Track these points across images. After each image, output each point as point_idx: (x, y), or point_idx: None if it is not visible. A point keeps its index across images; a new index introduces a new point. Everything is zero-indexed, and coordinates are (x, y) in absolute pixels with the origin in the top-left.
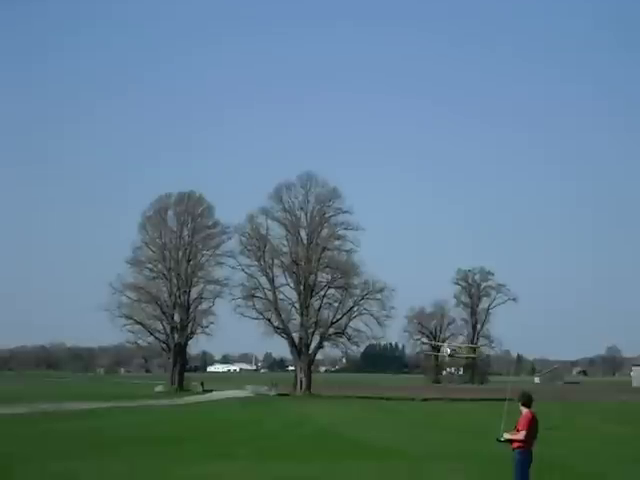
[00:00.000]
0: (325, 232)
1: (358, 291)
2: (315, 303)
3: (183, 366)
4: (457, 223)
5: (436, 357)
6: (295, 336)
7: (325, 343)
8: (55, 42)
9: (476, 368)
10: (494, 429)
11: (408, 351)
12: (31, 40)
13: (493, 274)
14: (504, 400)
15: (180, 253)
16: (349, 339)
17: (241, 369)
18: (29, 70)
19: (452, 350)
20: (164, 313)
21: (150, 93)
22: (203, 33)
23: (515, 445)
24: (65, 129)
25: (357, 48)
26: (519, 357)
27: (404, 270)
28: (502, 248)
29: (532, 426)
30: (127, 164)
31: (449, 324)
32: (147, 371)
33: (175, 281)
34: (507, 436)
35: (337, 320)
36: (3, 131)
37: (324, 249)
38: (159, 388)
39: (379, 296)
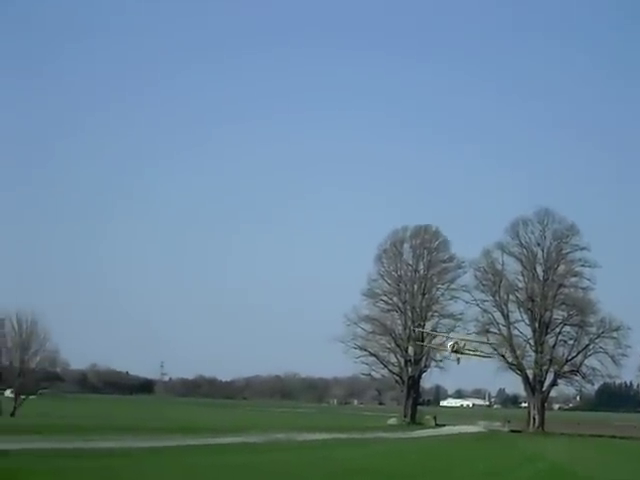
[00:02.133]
0: (562, 269)
1: (594, 329)
2: (550, 340)
3: (416, 399)
4: None
5: None
6: (529, 373)
7: (559, 381)
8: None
9: None
10: None
11: None
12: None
13: None
14: None
15: (415, 286)
16: (584, 377)
17: (474, 404)
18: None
19: None
20: (398, 346)
21: None
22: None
23: None
24: None
25: None
26: None
27: None
28: None
29: None
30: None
31: None
32: (380, 403)
33: (410, 314)
34: None
35: (572, 358)
36: None
37: (560, 286)
38: (392, 421)
39: (615, 335)
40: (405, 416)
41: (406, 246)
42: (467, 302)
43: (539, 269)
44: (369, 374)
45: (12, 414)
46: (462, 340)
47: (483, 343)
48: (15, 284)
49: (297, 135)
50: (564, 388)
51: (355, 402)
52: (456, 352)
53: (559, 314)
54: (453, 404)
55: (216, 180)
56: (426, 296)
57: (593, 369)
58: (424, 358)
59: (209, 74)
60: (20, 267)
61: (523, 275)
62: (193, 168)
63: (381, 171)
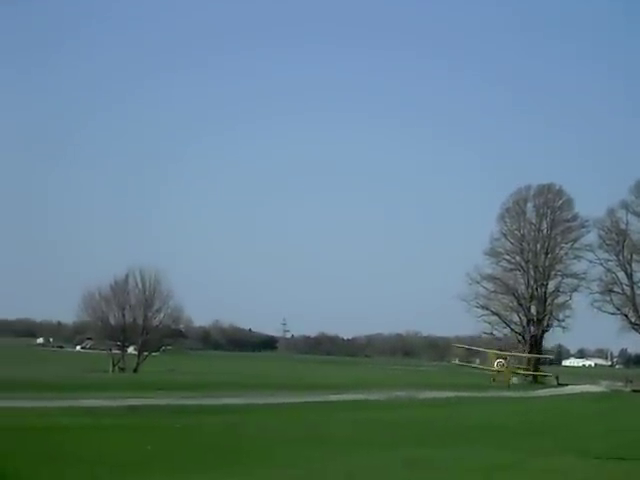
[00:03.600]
0: None
1: None
2: None
3: (538, 359)
4: None
5: None
6: None
7: None
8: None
9: None
10: None
11: None
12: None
13: None
14: None
15: (538, 245)
16: None
17: (596, 364)
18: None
19: None
20: (520, 305)
21: None
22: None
23: None
24: None
25: None
26: None
27: None
28: None
29: None
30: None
31: None
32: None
33: (532, 273)
34: None
35: None
36: None
37: None
38: (514, 380)
39: None
40: (527, 376)
41: (529, 205)
42: (590, 261)
43: None
44: (491, 333)
45: (135, 370)
46: None
47: None
48: (138, 244)
49: None
50: None
51: (477, 361)
52: None
53: None
54: (575, 364)
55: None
56: (549, 255)
57: None
58: (547, 317)
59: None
60: (146, 222)
61: None
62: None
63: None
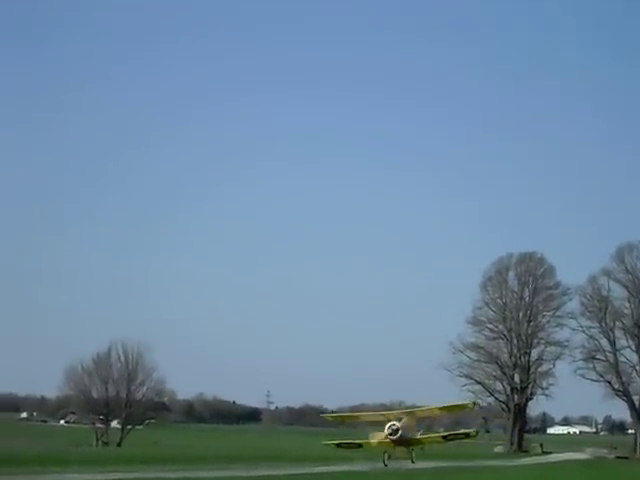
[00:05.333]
0: None
1: None
2: None
3: (522, 427)
4: None
5: None
6: (635, 399)
7: None
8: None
9: None
10: None
11: None
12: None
13: None
14: None
15: (521, 314)
16: None
17: (581, 431)
18: None
19: None
20: (504, 373)
21: None
22: None
23: None
24: None
25: None
26: None
27: None
28: None
29: None
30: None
31: None
32: (487, 431)
33: (515, 342)
34: None
35: None
36: None
37: None
38: (498, 449)
39: None
40: (512, 444)
41: (511, 274)
42: (573, 329)
43: None
44: (475, 402)
45: (119, 444)
46: None
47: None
48: (121, 316)
49: None
50: None
51: (461, 430)
52: None
53: None
54: (560, 431)
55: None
56: (532, 323)
57: None
58: (530, 385)
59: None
60: (127, 298)
61: (629, 301)
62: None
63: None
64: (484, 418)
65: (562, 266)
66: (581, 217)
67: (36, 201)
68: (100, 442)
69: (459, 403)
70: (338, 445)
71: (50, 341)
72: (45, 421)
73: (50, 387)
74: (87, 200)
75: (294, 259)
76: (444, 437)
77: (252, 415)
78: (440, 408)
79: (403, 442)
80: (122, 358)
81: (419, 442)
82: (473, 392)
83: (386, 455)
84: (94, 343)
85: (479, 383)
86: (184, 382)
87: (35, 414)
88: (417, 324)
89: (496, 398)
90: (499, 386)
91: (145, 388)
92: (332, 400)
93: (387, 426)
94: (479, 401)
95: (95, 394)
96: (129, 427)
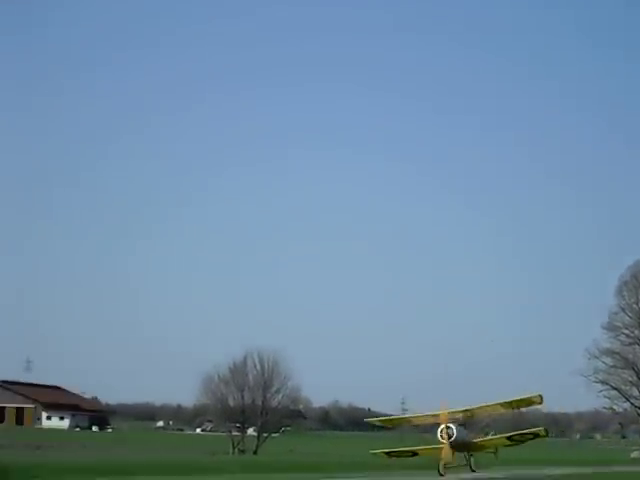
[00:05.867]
0: None
1: None
2: None
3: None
4: None
5: None
6: None
7: None
8: None
9: None
10: None
11: None
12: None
13: None
14: None
15: None
16: None
17: None
18: None
19: None
20: None
21: None
22: None
23: None
24: None
25: None
26: None
27: None
28: None
29: None
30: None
31: None
32: (623, 437)
33: None
34: None
35: None
36: None
37: None
38: (635, 454)
39: None
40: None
41: None
42: None
43: None
44: (611, 408)
45: (255, 452)
46: None
47: None
48: (257, 322)
49: None
50: None
51: (598, 436)
52: None
53: None
54: None
55: None
56: None
57: None
58: None
59: None
60: (260, 302)
61: None
62: None
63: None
64: (620, 424)
65: None
66: None
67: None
68: (237, 450)
69: (525, 397)
70: (388, 454)
71: (184, 350)
72: (181, 430)
73: (186, 396)
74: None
75: None
76: (508, 438)
77: None
78: (502, 404)
79: (460, 446)
80: (258, 366)
81: (479, 447)
82: (609, 398)
83: (442, 464)
84: (230, 352)
85: (615, 389)
86: (320, 389)
87: (171, 423)
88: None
89: (632, 404)
90: (635, 392)
91: (281, 396)
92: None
93: (440, 429)
94: (615, 407)
95: (231, 402)
96: (265, 435)
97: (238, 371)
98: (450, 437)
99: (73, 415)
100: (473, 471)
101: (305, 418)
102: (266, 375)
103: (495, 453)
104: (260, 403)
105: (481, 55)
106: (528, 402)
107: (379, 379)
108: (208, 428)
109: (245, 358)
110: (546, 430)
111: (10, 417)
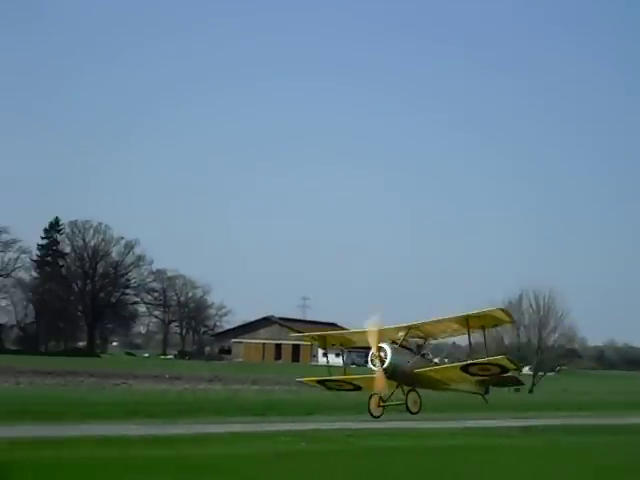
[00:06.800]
0: None
1: None
2: None
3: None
4: None
5: None
6: None
7: None
8: None
9: None
10: None
11: None
12: None
13: None
14: None
15: None
16: None
17: None
18: None
19: None
20: None
21: None
22: None
23: None
24: None
25: None
26: None
27: None
28: None
29: None
30: None
31: None
32: None
33: None
34: None
35: None
36: None
37: None
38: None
39: None
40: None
41: None
42: None
43: None
44: None
45: (530, 391)
46: None
47: None
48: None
49: None
50: None
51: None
52: None
53: None
54: None
55: None
56: None
57: None
58: None
59: None
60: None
61: None
62: None
63: None
64: None
65: None
66: None
67: None
68: (512, 389)
69: (486, 311)
70: (322, 383)
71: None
72: None
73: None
74: None
75: None
76: (464, 369)
77: None
78: (455, 318)
79: (397, 377)
80: (534, 305)
81: (426, 380)
82: None
83: (373, 400)
84: (505, 291)
85: None
86: (595, 328)
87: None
88: None
89: None
90: None
91: (556, 335)
92: None
93: (371, 352)
94: None
95: (506, 340)
96: (540, 374)
97: (514, 309)
98: (383, 362)
99: (349, 352)
100: (412, 413)
101: (580, 357)
102: (542, 313)
103: (482, 395)
104: (535, 342)
105: None
106: (491, 319)
107: None
108: None
109: (520, 296)
110: (510, 360)
111: (286, 354)
